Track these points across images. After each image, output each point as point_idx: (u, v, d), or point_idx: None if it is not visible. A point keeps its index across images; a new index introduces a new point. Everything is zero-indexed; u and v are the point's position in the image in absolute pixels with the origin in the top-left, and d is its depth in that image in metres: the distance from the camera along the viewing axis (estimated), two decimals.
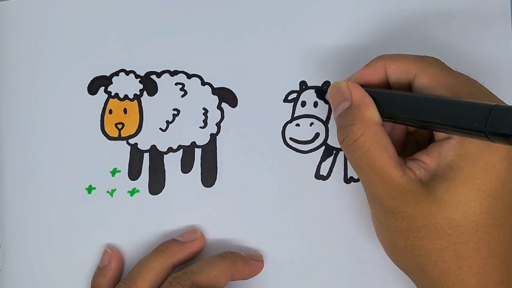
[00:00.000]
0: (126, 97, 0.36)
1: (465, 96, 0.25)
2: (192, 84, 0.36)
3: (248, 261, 0.33)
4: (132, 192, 0.35)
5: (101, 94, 0.37)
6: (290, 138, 0.35)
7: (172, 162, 0.35)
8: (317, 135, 0.35)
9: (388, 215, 0.27)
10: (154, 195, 0.35)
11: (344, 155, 0.34)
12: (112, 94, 0.36)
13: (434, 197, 0.24)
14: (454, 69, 0.28)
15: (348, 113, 0.27)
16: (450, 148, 0.25)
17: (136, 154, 0.36)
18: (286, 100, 0.35)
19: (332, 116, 0.35)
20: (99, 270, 0.34)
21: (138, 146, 0.36)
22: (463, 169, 0.24)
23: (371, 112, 0.27)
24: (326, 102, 0.35)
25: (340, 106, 0.28)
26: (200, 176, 0.35)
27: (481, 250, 0.24)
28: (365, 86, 0.28)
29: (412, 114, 0.26)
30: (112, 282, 0.34)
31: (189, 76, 0.36)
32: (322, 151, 0.35)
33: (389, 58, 0.28)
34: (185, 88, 0.36)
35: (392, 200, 0.26)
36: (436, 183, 0.25)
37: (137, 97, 0.36)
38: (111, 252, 0.34)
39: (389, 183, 0.26)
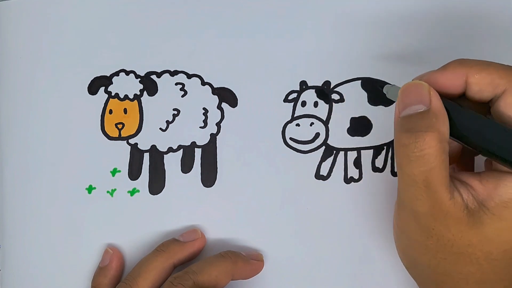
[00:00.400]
0: (126, 97, 0.36)
1: None
2: (192, 84, 0.36)
3: (248, 260, 0.33)
4: (132, 192, 0.36)
5: (101, 94, 0.37)
6: (290, 138, 0.35)
7: (172, 162, 0.35)
8: (317, 135, 0.35)
9: (421, 233, 0.25)
10: (154, 195, 0.35)
11: (345, 156, 0.34)
12: (112, 94, 0.36)
13: (480, 229, 0.23)
14: None
15: (424, 118, 0.24)
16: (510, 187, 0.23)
17: (136, 154, 0.36)
18: (286, 100, 0.35)
19: (332, 116, 0.35)
20: (100, 270, 0.34)
21: (138, 146, 0.36)
22: None
23: (446, 126, 0.24)
24: (327, 102, 0.35)
25: (414, 107, 0.24)
26: (200, 176, 0.35)
27: (505, 280, 0.24)
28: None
29: (488, 145, 0.23)
30: (112, 282, 0.34)
31: (189, 76, 0.36)
32: (322, 151, 0.35)
33: (473, 65, 0.24)
34: (185, 88, 0.36)
35: (432, 221, 0.24)
36: (484, 215, 0.23)
37: (137, 97, 0.36)
38: (111, 252, 0.34)
39: (437, 204, 0.24)
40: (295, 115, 0.35)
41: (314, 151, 0.35)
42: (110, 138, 0.36)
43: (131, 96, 0.36)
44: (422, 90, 0.24)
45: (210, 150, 0.35)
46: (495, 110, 0.24)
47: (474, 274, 0.24)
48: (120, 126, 0.36)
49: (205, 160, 0.35)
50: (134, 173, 0.36)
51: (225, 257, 0.32)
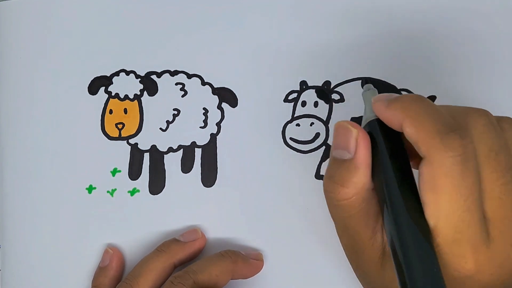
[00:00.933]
0: (126, 97, 0.36)
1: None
2: (192, 84, 0.36)
3: (248, 260, 0.33)
4: (133, 192, 0.36)
5: (102, 94, 0.37)
6: (290, 138, 0.35)
7: (172, 162, 0.35)
8: (317, 135, 0.35)
9: (352, 263, 0.26)
10: (154, 195, 0.35)
11: None
12: (113, 94, 0.36)
13: (383, 272, 0.24)
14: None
15: (345, 168, 0.23)
16: None
17: (136, 154, 0.36)
18: (286, 100, 0.35)
19: (332, 116, 0.35)
20: (100, 270, 0.34)
21: (139, 146, 0.36)
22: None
23: (367, 178, 0.23)
24: (327, 102, 0.35)
25: (340, 152, 0.24)
26: (200, 176, 0.35)
27: None
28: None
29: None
30: (113, 282, 0.34)
31: (189, 76, 0.36)
32: (323, 151, 0.35)
33: (412, 114, 0.22)
34: (185, 88, 0.36)
35: (355, 256, 0.25)
36: (387, 260, 0.24)
37: (138, 97, 0.36)
38: (112, 252, 0.34)
39: (357, 242, 0.24)
40: (295, 115, 0.35)
41: (314, 151, 0.35)
42: (110, 138, 0.36)
43: (131, 96, 0.36)
44: (350, 137, 0.23)
45: (210, 150, 0.35)
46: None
47: None
48: (120, 126, 0.36)
49: (205, 160, 0.35)
50: (134, 173, 0.36)
51: (225, 256, 0.32)
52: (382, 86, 0.34)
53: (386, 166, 0.22)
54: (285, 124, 0.35)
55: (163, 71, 0.36)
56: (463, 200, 0.21)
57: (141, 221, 0.35)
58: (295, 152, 0.35)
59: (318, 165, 0.35)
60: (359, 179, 0.23)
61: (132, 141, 0.36)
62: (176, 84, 0.36)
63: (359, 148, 0.23)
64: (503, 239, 0.22)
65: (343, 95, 0.35)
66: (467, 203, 0.21)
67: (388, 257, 0.24)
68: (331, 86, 0.35)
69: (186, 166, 0.35)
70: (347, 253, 0.26)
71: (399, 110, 0.22)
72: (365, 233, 0.24)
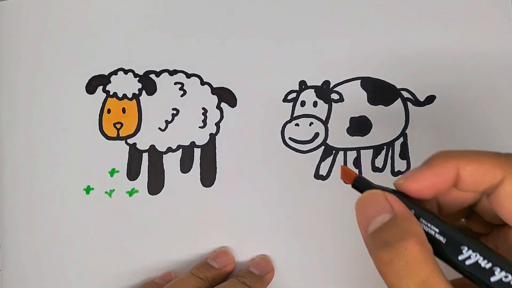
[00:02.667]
0: (124, 96, 0.36)
1: None
2: (191, 84, 0.36)
3: (263, 281, 0.33)
4: (131, 192, 0.35)
5: (100, 94, 0.36)
6: (290, 138, 0.35)
7: (171, 162, 0.35)
8: (316, 135, 0.35)
9: None
10: (153, 195, 0.35)
11: (344, 156, 0.34)
12: (111, 94, 0.36)
13: None
14: None
15: (393, 227, 0.21)
16: None
17: (135, 154, 0.36)
18: (285, 100, 0.35)
19: (331, 116, 0.35)
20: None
21: (137, 146, 0.36)
22: None
23: (419, 228, 0.21)
24: (326, 102, 0.35)
25: (378, 219, 0.22)
26: (199, 176, 0.35)
27: None
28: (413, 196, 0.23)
29: (454, 258, 0.20)
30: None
31: (188, 75, 0.36)
32: (322, 151, 0.35)
33: (463, 156, 0.22)
34: (184, 87, 0.36)
35: None
36: None
37: (136, 97, 0.36)
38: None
39: None
40: (294, 115, 0.35)
41: (313, 151, 0.35)
42: (108, 138, 0.36)
43: (129, 96, 0.36)
44: (378, 198, 0.22)
45: (209, 150, 0.35)
46: (493, 201, 0.22)
47: None
48: (118, 125, 0.36)
49: (204, 160, 0.35)
50: (132, 173, 0.35)
51: (246, 285, 0.32)
52: (382, 86, 0.34)
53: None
54: (284, 124, 0.35)
55: (162, 70, 0.36)
56: None
57: (140, 222, 0.35)
58: (294, 152, 0.35)
59: (317, 165, 0.35)
60: (415, 228, 0.21)
61: (130, 141, 0.36)
62: (175, 83, 0.36)
63: (395, 203, 0.22)
64: None
65: (343, 94, 0.35)
66: None
67: None
68: (330, 86, 0.35)
69: (185, 166, 0.35)
70: None
71: (446, 159, 0.22)
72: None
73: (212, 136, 0.35)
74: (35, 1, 0.37)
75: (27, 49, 0.37)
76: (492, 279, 0.19)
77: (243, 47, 0.35)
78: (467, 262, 0.20)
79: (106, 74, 0.36)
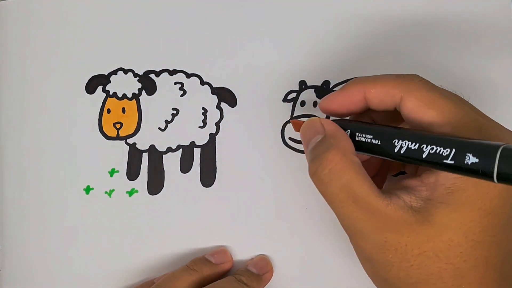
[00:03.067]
0: (124, 96, 0.36)
1: (458, 121, 0.23)
2: (191, 84, 0.36)
3: (262, 281, 0.33)
4: (131, 192, 0.35)
5: (99, 93, 0.36)
6: (290, 138, 0.35)
7: (171, 162, 0.35)
8: None
9: (377, 251, 0.25)
10: (153, 195, 0.35)
11: None
12: (111, 93, 0.36)
13: (432, 222, 0.23)
14: (440, 86, 0.26)
15: (322, 144, 0.25)
16: (450, 173, 0.23)
17: (134, 154, 0.36)
18: (285, 99, 0.35)
19: (331, 116, 0.35)
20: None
21: (137, 146, 0.36)
22: (465, 191, 0.23)
23: (346, 142, 0.25)
24: None
25: (313, 140, 0.26)
26: (199, 176, 0.35)
27: (479, 266, 0.24)
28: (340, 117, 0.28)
29: (391, 152, 0.24)
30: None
31: (188, 75, 0.36)
32: None
33: (368, 81, 0.26)
34: (184, 87, 0.36)
35: (380, 234, 0.24)
36: (433, 208, 0.24)
37: (136, 96, 0.36)
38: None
39: (375, 215, 0.24)
40: (294, 115, 0.35)
41: None
42: (108, 137, 0.36)
43: (129, 95, 0.36)
44: (314, 123, 0.27)
45: (209, 150, 0.35)
46: (403, 116, 0.26)
47: (446, 270, 0.24)
48: (118, 125, 0.36)
49: (204, 160, 0.35)
50: (132, 173, 0.35)
51: (245, 284, 0.32)
52: None
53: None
54: (284, 123, 0.35)
55: (162, 70, 0.36)
56: None
57: (140, 222, 0.35)
58: (294, 152, 0.35)
59: None
60: (340, 142, 0.25)
61: (130, 141, 0.36)
62: (175, 83, 0.36)
63: (327, 125, 0.26)
64: None
65: None
66: None
67: (423, 208, 0.24)
68: (330, 86, 0.35)
69: (185, 166, 0.35)
70: (370, 241, 0.25)
71: (355, 84, 0.27)
72: (378, 201, 0.24)
73: (212, 136, 0.35)
74: (35, 1, 0.37)
75: (27, 49, 0.37)
76: (424, 155, 0.22)
77: (243, 47, 0.35)
78: (402, 152, 0.23)
79: (106, 74, 0.36)
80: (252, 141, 0.35)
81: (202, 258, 0.34)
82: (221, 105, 0.35)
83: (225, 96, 0.35)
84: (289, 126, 0.35)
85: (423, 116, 0.24)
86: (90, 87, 0.36)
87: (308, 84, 0.35)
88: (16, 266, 0.36)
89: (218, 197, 0.35)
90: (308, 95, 0.35)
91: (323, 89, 0.35)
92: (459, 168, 0.21)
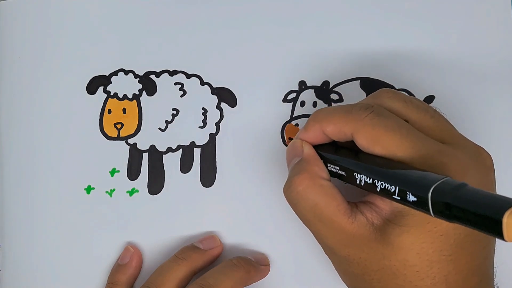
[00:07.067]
0: (125, 96, 0.36)
1: (403, 154, 0.24)
2: (191, 84, 0.36)
3: (259, 267, 0.33)
4: (131, 192, 0.35)
5: (100, 94, 0.36)
6: (289, 138, 0.35)
7: (171, 162, 0.35)
8: None
9: (344, 263, 0.27)
10: (153, 195, 0.35)
11: None
12: (111, 94, 0.36)
13: (388, 241, 0.25)
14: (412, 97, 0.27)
15: (297, 166, 0.27)
16: None
17: (135, 154, 0.36)
18: (285, 100, 0.35)
19: None
20: (118, 267, 0.34)
21: (137, 146, 0.36)
22: (415, 215, 0.24)
23: (318, 167, 0.27)
24: (326, 102, 0.35)
25: (292, 161, 0.28)
26: (199, 176, 0.35)
27: (439, 283, 0.24)
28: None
29: (354, 183, 0.25)
30: (130, 280, 0.34)
31: (188, 76, 0.36)
32: None
33: (323, 119, 0.27)
34: (184, 88, 0.36)
35: (344, 249, 0.26)
36: (389, 228, 0.25)
37: (136, 97, 0.36)
38: (133, 251, 0.34)
39: (340, 232, 0.26)
40: (294, 115, 0.35)
41: None
42: (109, 138, 0.36)
43: (130, 96, 0.36)
44: (296, 145, 0.28)
45: (209, 150, 0.35)
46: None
47: (405, 287, 0.25)
48: (119, 126, 0.36)
49: (204, 160, 0.35)
50: (133, 173, 0.36)
51: (238, 266, 0.32)
52: (381, 86, 0.34)
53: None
54: (284, 124, 0.35)
55: (162, 70, 0.36)
56: None
57: (140, 221, 0.35)
58: None
59: None
60: (311, 167, 0.27)
61: (131, 141, 0.36)
62: (175, 84, 0.36)
63: (305, 149, 0.28)
64: None
65: (342, 95, 0.35)
66: None
67: (382, 227, 0.25)
68: (330, 86, 0.35)
69: (185, 166, 0.35)
70: (336, 253, 0.27)
71: (313, 124, 0.28)
72: (343, 220, 0.26)
73: (212, 136, 0.35)
74: (35, 1, 0.37)
75: (27, 49, 0.37)
76: (377, 189, 0.24)
77: (243, 47, 0.35)
78: (362, 184, 0.25)
79: (107, 74, 0.37)
80: (252, 141, 0.35)
81: (190, 246, 0.34)
82: (221, 105, 0.35)
83: (225, 96, 0.35)
84: (289, 126, 0.35)
85: (373, 151, 0.25)
86: (91, 88, 0.37)
87: (308, 84, 0.35)
88: (16, 266, 0.36)
89: (218, 197, 0.35)
90: (308, 95, 0.35)
91: (323, 89, 0.35)
92: (406, 202, 0.22)
